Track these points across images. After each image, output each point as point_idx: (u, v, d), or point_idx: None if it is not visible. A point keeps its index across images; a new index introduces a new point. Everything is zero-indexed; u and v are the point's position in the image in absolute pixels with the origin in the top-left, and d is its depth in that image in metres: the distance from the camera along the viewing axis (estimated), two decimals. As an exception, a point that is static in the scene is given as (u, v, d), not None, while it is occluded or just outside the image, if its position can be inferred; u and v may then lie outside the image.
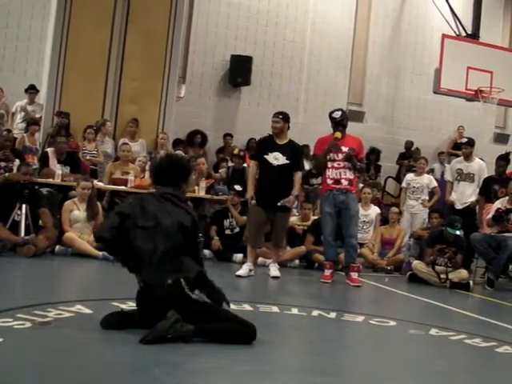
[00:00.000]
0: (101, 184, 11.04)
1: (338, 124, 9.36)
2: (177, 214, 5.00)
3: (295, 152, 9.43)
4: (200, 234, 5.16)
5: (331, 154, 9.27)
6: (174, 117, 13.24)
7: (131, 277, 5.05)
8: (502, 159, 12.42)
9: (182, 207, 5.11)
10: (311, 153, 13.53)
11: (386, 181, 15.99)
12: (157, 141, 12.86)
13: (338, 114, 9.43)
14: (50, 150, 11.29)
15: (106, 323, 4.91)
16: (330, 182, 9.31)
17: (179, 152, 10.92)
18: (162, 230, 4.91)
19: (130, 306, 5.53)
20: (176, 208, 5.06)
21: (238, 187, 11.18)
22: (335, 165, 9.29)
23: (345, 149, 9.28)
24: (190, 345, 4.61)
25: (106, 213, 9.90)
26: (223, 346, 4.67)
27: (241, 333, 4.83)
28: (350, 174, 9.31)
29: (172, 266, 4.84)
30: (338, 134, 9.24)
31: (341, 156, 9.26)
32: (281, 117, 9.34)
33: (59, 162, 11.01)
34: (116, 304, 5.75)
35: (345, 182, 9.28)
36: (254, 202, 9.14)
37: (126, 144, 12.00)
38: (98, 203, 10.12)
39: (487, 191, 11.59)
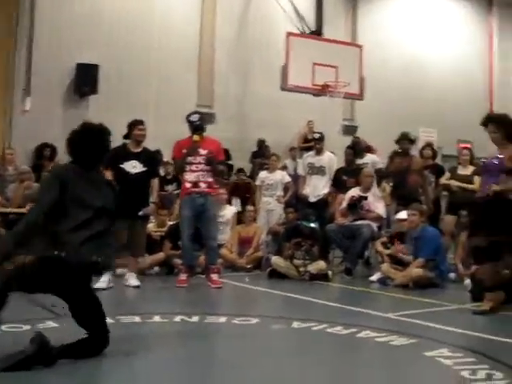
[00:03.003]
0: None
1: (197, 127, 9.36)
2: None
3: (151, 159, 9.42)
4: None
5: (190, 158, 9.27)
6: (20, 130, 12.84)
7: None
8: (350, 148, 12.85)
9: None
10: (163, 158, 13.52)
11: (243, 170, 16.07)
12: (4, 156, 12.43)
13: (195, 117, 9.43)
14: None
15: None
16: (188, 185, 9.30)
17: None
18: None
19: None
20: None
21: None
22: (194, 168, 9.28)
23: (203, 152, 9.29)
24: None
25: None
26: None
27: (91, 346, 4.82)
28: (208, 177, 9.35)
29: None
30: (197, 137, 9.23)
31: (199, 159, 9.27)
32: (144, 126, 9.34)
33: None
34: None
35: (203, 185, 9.29)
36: None
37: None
38: None
39: (338, 182, 11.92)
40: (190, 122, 9.40)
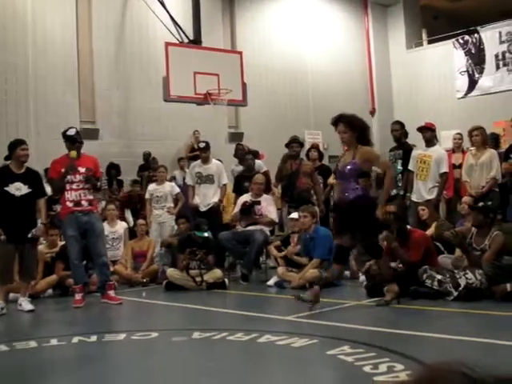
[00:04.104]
0: None
1: (74, 141, 9.18)
2: None
3: (35, 179, 9.15)
4: None
5: (69, 176, 9.09)
6: None
7: None
8: (249, 153, 13.00)
9: None
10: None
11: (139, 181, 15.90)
12: None
13: (72, 132, 9.27)
14: None
15: None
16: (70, 204, 9.12)
17: None
18: None
19: None
20: None
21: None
22: (74, 186, 9.11)
23: (82, 169, 9.13)
24: None
25: None
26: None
27: None
28: (89, 195, 9.21)
29: None
30: (74, 153, 9.04)
31: (79, 177, 9.11)
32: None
33: None
34: None
35: (85, 203, 9.15)
36: (3, 237, 8.66)
37: None
38: None
39: (239, 189, 11.97)
40: (67, 137, 9.22)
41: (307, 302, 7.45)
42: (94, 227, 9.18)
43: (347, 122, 7.50)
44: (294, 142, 11.61)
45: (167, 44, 15.37)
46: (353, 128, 7.47)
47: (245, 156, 13.04)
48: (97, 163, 9.57)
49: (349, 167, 7.48)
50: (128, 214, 13.58)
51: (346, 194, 7.54)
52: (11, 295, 9.43)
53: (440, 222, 9.82)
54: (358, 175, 7.60)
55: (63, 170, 9.07)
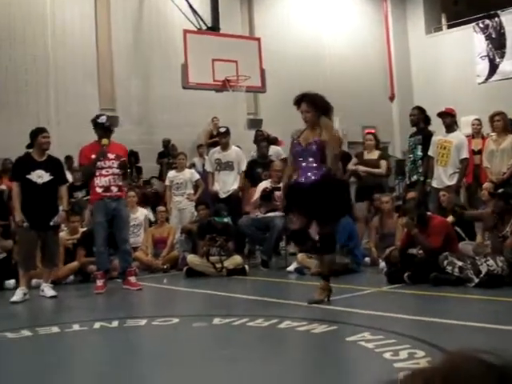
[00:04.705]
0: None
1: (106, 129, 9.28)
2: None
3: (57, 166, 9.20)
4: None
5: (99, 162, 9.15)
6: None
7: None
8: (264, 141, 12.96)
9: None
10: (75, 164, 13.32)
11: (150, 181, 16.00)
12: None
13: (103, 119, 9.37)
14: None
15: None
16: (99, 190, 9.19)
17: None
18: None
19: None
20: None
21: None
22: (104, 172, 9.18)
23: (111, 156, 9.21)
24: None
25: None
26: None
27: None
28: (119, 181, 9.28)
29: None
30: (105, 141, 9.13)
31: (108, 163, 9.17)
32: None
33: None
34: None
35: (115, 189, 9.21)
36: (26, 224, 8.74)
37: None
38: None
39: (252, 175, 11.98)
40: (99, 124, 9.30)
41: (321, 302, 7.24)
42: (121, 214, 9.29)
43: (310, 100, 7.22)
44: None
45: (185, 31, 15.39)
46: (316, 107, 7.20)
47: (260, 143, 13.03)
48: (126, 150, 9.71)
49: (312, 146, 7.09)
50: (148, 210, 13.58)
51: (308, 174, 7.08)
52: (34, 281, 9.53)
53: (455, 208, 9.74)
54: (322, 155, 7.06)
55: (93, 157, 9.16)
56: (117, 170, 9.20)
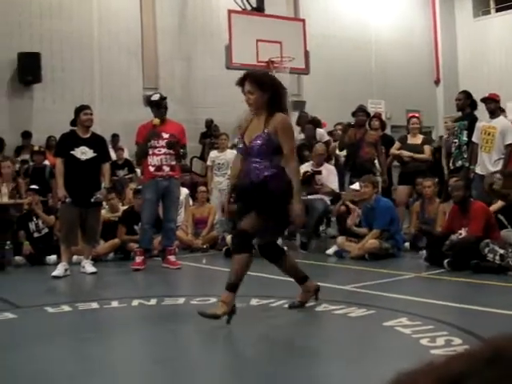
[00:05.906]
0: None
1: (159, 106, 9.35)
2: None
3: (101, 144, 9.29)
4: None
5: (152, 141, 9.22)
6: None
7: None
8: (310, 123, 12.94)
9: None
10: (119, 143, 13.43)
11: (191, 161, 16.04)
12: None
13: (156, 97, 9.45)
14: None
15: None
16: (152, 169, 9.27)
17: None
18: None
19: None
20: None
21: (34, 186, 10.69)
22: (156, 151, 9.25)
23: (166, 135, 9.25)
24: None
25: None
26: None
27: None
28: (171, 161, 9.32)
29: None
30: (156, 121, 9.18)
31: (161, 142, 9.23)
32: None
33: None
34: None
35: (167, 169, 9.27)
36: (69, 200, 8.82)
37: None
38: None
39: (299, 157, 11.93)
40: (152, 102, 9.37)
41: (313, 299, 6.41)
42: (171, 193, 9.34)
43: (255, 80, 5.88)
44: (360, 111, 11.48)
45: (230, 11, 15.35)
46: (262, 88, 5.81)
47: (305, 125, 12.98)
48: (182, 130, 9.69)
49: (259, 142, 5.75)
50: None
51: (254, 173, 5.79)
52: (74, 257, 9.64)
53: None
54: (273, 152, 5.78)
55: (147, 135, 9.24)
56: (169, 150, 9.24)
